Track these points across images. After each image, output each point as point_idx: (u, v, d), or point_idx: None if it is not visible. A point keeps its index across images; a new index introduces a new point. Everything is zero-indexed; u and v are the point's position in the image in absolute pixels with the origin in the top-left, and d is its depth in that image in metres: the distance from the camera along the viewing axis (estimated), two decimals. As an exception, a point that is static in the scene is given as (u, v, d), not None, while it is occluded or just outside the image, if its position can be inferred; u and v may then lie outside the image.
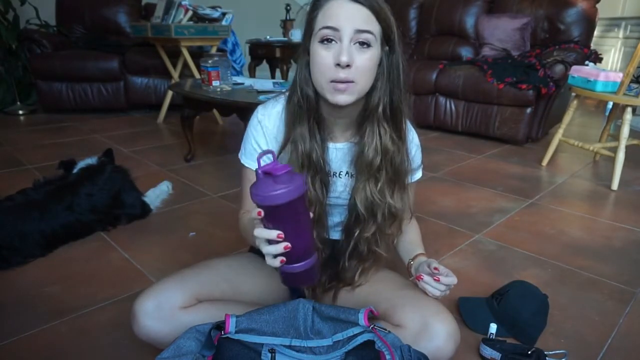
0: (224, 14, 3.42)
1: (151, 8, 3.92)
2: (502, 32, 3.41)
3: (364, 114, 0.92)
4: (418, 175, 1.08)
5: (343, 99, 0.84)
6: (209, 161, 2.64)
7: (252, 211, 0.74)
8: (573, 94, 2.49)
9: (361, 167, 0.94)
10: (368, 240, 1.00)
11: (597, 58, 3.11)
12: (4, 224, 1.51)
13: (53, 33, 3.90)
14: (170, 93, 3.50)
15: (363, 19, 0.81)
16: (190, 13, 3.22)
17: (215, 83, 2.48)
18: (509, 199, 2.12)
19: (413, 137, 1.03)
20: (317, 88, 0.87)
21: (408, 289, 1.03)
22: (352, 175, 0.99)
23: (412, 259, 1.04)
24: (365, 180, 0.95)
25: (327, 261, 1.05)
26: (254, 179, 0.92)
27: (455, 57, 3.64)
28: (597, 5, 3.24)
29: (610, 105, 3.41)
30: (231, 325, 0.87)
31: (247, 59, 4.49)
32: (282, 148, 0.94)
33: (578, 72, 2.37)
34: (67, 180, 1.76)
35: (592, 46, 3.33)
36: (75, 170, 1.86)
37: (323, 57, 0.82)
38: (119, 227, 1.77)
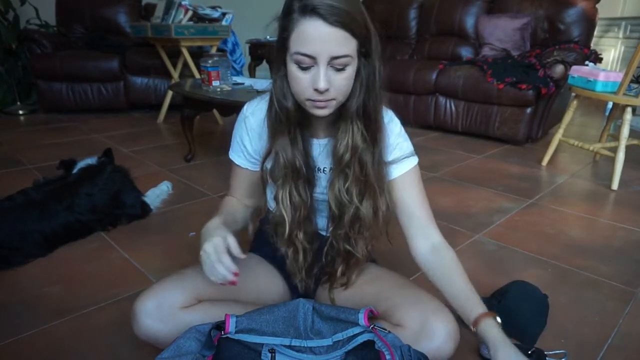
0: (224, 14, 3.42)
1: (151, 8, 3.93)
2: (502, 32, 3.41)
3: (340, 113, 0.90)
4: (410, 163, 1.01)
5: (323, 112, 0.85)
6: (209, 161, 2.64)
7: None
8: (573, 94, 2.49)
9: (334, 161, 0.94)
10: (342, 238, 0.99)
11: (597, 58, 3.11)
12: (4, 224, 1.51)
13: (53, 33, 3.90)
14: (170, 93, 3.50)
15: (339, 42, 0.76)
16: (190, 13, 3.22)
17: (215, 83, 2.48)
18: (509, 199, 2.12)
19: (394, 128, 0.99)
20: (298, 100, 0.86)
21: (407, 288, 1.03)
22: (331, 170, 1.00)
23: (476, 320, 0.91)
24: (337, 176, 0.95)
25: (318, 255, 1.05)
26: (241, 175, 1.00)
27: (455, 57, 3.64)
28: (597, 5, 3.24)
29: (610, 105, 3.41)
30: (231, 325, 0.87)
31: (247, 59, 4.50)
32: (266, 156, 0.95)
33: (578, 72, 2.37)
34: (67, 180, 1.76)
35: (592, 46, 3.33)
36: (75, 170, 1.86)
37: (300, 79, 0.80)
38: (119, 227, 1.77)
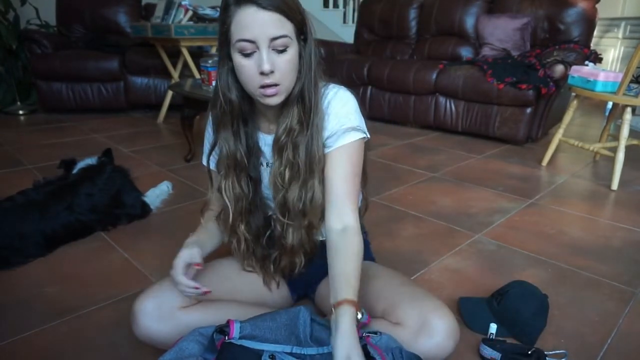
0: (224, 14, 3.42)
1: (151, 8, 3.92)
2: (502, 32, 3.41)
3: (286, 99, 0.92)
4: (346, 138, 0.95)
5: (274, 100, 0.88)
6: (209, 161, 2.64)
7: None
8: (573, 94, 2.49)
9: (273, 144, 0.97)
10: (279, 223, 1.01)
11: (597, 58, 3.11)
12: (4, 225, 1.51)
13: (53, 33, 3.90)
14: (170, 93, 3.50)
15: (275, 24, 0.81)
16: (190, 13, 3.22)
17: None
18: (509, 199, 2.12)
19: (335, 105, 0.95)
20: (249, 93, 0.90)
21: (407, 287, 1.03)
22: None
23: (335, 305, 0.84)
24: (275, 160, 0.97)
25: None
26: (215, 177, 1.03)
27: (455, 57, 3.64)
28: (597, 6, 3.24)
29: (610, 105, 3.41)
30: (235, 331, 0.87)
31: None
32: (211, 150, 1.02)
33: (578, 72, 2.37)
34: (67, 181, 1.76)
35: (592, 46, 3.33)
36: (75, 170, 1.86)
37: (246, 67, 0.84)
38: (119, 227, 1.77)
